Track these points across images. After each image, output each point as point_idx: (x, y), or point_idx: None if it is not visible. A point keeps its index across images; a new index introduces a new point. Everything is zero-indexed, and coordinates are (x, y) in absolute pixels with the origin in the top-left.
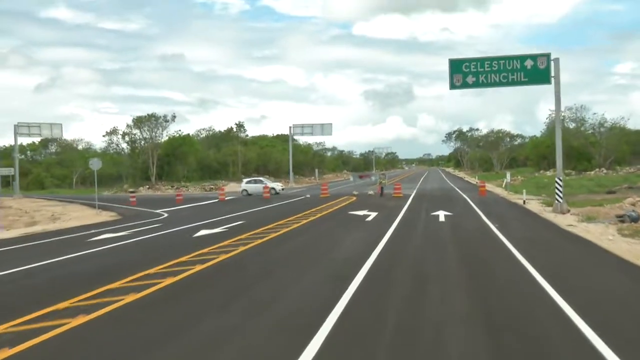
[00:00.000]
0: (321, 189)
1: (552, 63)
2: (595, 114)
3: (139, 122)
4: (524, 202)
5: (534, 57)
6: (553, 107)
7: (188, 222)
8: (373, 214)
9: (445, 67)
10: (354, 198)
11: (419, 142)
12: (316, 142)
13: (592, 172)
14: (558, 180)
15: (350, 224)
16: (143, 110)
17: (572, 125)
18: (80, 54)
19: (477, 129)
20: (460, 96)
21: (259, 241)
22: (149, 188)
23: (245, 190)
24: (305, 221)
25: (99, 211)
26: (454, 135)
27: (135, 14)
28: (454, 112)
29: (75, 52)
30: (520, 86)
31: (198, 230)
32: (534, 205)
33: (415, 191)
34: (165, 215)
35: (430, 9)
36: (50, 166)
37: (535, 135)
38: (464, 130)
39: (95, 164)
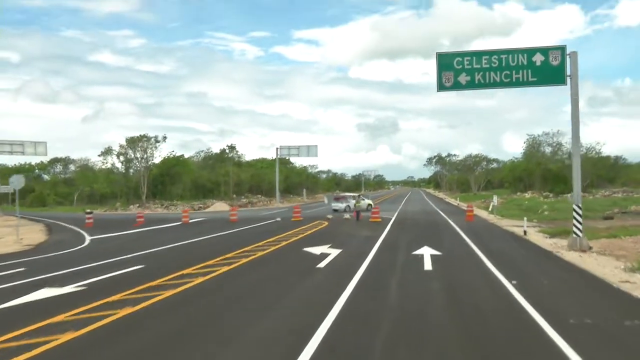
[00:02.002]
0: (293, 213)
1: (568, 58)
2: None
3: (131, 142)
4: (525, 232)
5: (544, 51)
6: (531, 132)
7: (77, 263)
8: (334, 253)
9: (426, 104)
10: (326, 223)
11: (403, 166)
12: (310, 165)
13: (569, 195)
14: (577, 209)
15: (292, 274)
16: (174, 137)
17: (548, 150)
18: (121, 91)
19: (455, 155)
20: (437, 128)
21: (87, 329)
22: (139, 206)
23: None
24: (232, 265)
25: (21, 238)
26: (434, 160)
27: (167, 58)
28: (433, 142)
29: (117, 90)
30: (528, 87)
31: (42, 287)
32: (536, 236)
33: (396, 214)
34: (86, 243)
35: (412, 55)
36: (55, 184)
37: (512, 159)
38: (443, 155)
39: (16, 182)
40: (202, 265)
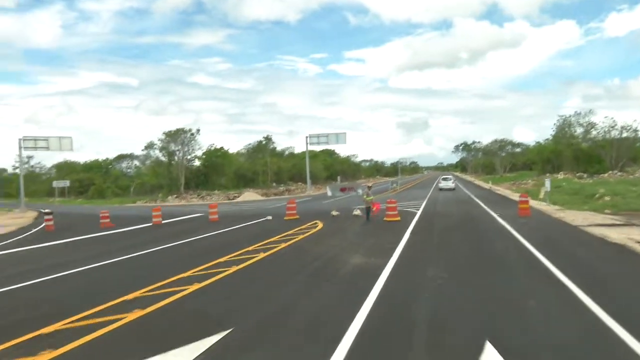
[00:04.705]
0: (286, 209)
1: None
2: (606, 117)
3: (169, 136)
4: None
5: None
6: (542, 124)
7: None
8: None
9: (450, 106)
10: (320, 225)
11: (434, 155)
12: (352, 154)
13: (606, 175)
14: None
15: None
16: (254, 138)
17: (579, 130)
18: (213, 104)
19: (479, 142)
20: (460, 124)
21: None
22: (176, 197)
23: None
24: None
25: None
26: (460, 147)
27: (247, 77)
28: (457, 135)
29: (210, 103)
30: None
31: None
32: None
33: (423, 206)
34: None
35: (437, 66)
36: (117, 178)
37: (539, 142)
38: (468, 143)
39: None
40: None
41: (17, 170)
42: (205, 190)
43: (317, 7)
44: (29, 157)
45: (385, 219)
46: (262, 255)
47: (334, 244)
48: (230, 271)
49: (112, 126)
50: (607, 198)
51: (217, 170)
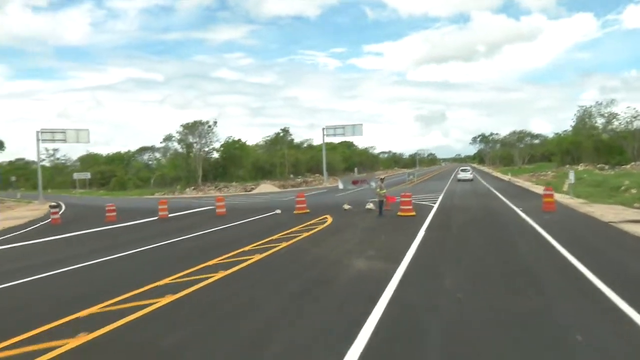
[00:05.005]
0: (296, 202)
1: None
2: (628, 107)
3: (187, 128)
4: None
5: None
6: (559, 116)
7: None
8: None
9: (467, 98)
10: (329, 221)
11: (451, 147)
12: (370, 146)
13: (629, 166)
14: None
15: None
16: (275, 132)
17: (600, 121)
18: (236, 98)
19: (496, 134)
20: (477, 116)
21: None
22: (193, 189)
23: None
24: None
25: None
26: (478, 139)
27: (268, 71)
28: (474, 127)
29: (233, 97)
30: None
31: None
32: None
33: (440, 198)
34: None
35: (455, 59)
36: (138, 170)
37: (558, 133)
38: (486, 134)
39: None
40: None
41: (43, 163)
42: (223, 182)
43: (336, 2)
44: (55, 150)
45: (399, 213)
46: (256, 257)
47: (340, 244)
48: (212, 279)
49: (138, 120)
50: (633, 191)
51: (235, 162)
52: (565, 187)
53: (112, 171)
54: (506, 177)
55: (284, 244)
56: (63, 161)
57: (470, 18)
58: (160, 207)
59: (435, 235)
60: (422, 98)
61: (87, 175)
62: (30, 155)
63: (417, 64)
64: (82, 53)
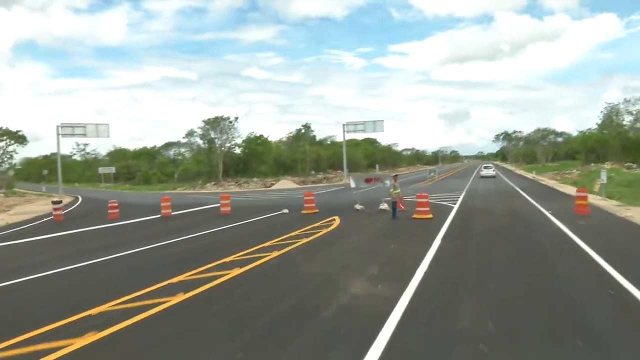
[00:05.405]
0: (304, 202)
1: None
2: None
3: (208, 123)
4: None
5: None
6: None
7: None
8: None
9: (491, 97)
10: (336, 224)
11: (474, 144)
12: (393, 143)
13: None
14: None
15: None
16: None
17: (629, 118)
18: (265, 96)
19: (520, 131)
20: (500, 115)
21: None
22: (214, 184)
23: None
24: None
25: None
26: (501, 137)
27: (296, 71)
28: (497, 125)
29: (262, 95)
30: None
31: None
32: None
33: (461, 198)
34: None
35: (478, 59)
36: (163, 165)
37: (584, 130)
38: (509, 132)
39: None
40: None
41: (76, 157)
42: (244, 178)
43: (362, 3)
44: (86, 145)
45: (414, 216)
46: (232, 273)
47: (339, 256)
48: (156, 310)
49: (172, 117)
50: None
51: (257, 157)
52: (597, 188)
53: (138, 166)
54: (530, 175)
55: (275, 254)
56: (93, 155)
57: (494, 18)
58: (163, 204)
59: (452, 246)
60: (446, 97)
61: (112, 169)
62: (65, 150)
63: (442, 64)
64: (119, 53)
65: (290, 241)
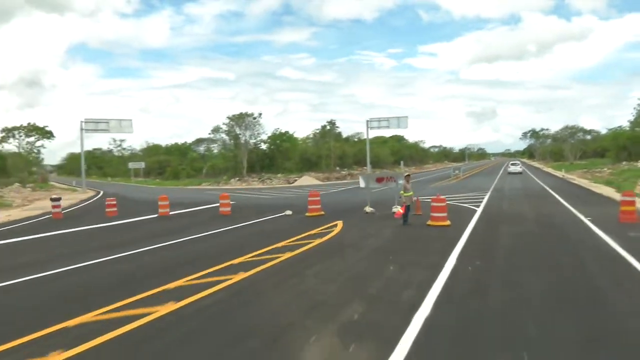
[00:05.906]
0: (308, 203)
1: None
2: None
3: (233, 120)
4: None
5: None
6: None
7: None
8: None
9: (518, 96)
10: (336, 230)
11: (501, 142)
12: (420, 140)
13: None
14: None
15: None
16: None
17: None
18: (299, 95)
19: (547, 129)
20: (527, 113)
21: None
22: (238, 180)
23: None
24: None
25: None
26: (528, 134)
27: (328, 71)
28: (524, 123)
29: (296, 94)
30: None
31: None
32: None
33: (486, 199)
34: None
35: (506, 59)
36: (193, 160)
37: (614, 128)
38: (537, 130)
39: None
40: None
41: (115, 152)
42: (268, 174)
43: (392, 6)
44: (122, 140)
45: (429, 222)
46: (162, 310)
47: (315, 285)
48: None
49: (212, 115)
50: None
51: (283, 153)
52: (639, 189)
53: (168, 161)
54: (559, 174)
55: (234, 279)
56: (129, 151)
57: (522, 19)
58: (160, 203)
59: (470, 271)
60: (474, 95)
61: (142, 164)
62: (105, 146)
63: (470, 63)
64: (162, 54)
65: (268, 257)
